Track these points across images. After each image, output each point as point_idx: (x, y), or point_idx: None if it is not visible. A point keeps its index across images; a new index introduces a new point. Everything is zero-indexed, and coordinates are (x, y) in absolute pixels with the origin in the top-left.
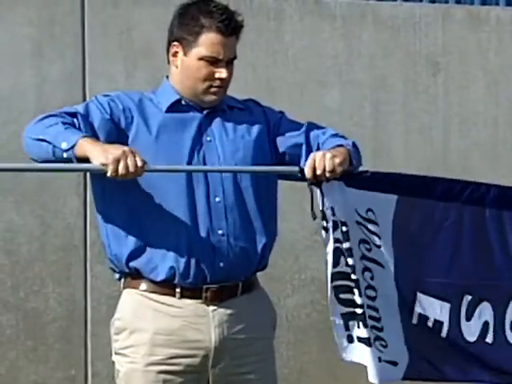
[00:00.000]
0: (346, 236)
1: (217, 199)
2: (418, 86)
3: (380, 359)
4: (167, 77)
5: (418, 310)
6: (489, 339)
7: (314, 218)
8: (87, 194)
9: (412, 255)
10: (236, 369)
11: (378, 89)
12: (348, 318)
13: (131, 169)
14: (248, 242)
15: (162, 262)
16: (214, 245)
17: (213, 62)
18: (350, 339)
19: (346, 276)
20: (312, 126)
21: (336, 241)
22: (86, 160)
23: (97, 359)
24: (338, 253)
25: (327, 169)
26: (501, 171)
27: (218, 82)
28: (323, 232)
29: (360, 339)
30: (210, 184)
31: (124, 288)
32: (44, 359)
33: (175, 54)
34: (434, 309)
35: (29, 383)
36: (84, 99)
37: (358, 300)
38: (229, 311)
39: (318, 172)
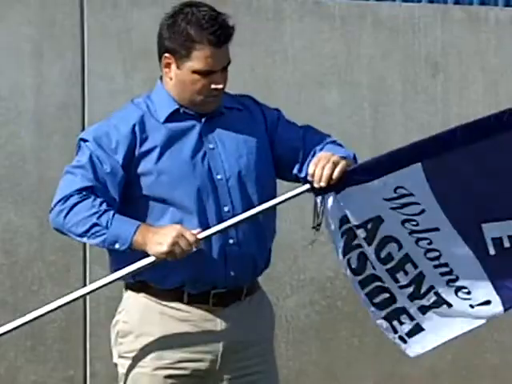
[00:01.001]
0: (370, 238)
1: (225, 209)
2: (417, 87)
3: (472, 306)
4: (161, 78)
5: (488, 237)
6: None
7: (317, 227)
8: None
9: (463, 201)
10: (241, 371)
11: (377, 89)
12: (391, 317)
13: (186, 248)
14: (256, 249)
15: (172, 273)
16: (225, 254)
17: (207, 73)
18: (403, 340)
19: (373, 278)
20: (310, 131)
21: (357, 246)
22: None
23: (95, 359)
24: (362, 258)
25: (325, 174)
26: None
27: (215, 93)
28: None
29: (416, 327)
30: (218, 194)
31: (127, 289)
32: (43, 359)
33: (168, 66)
34: (504, 228)
35: (28, 383)
36: (83, 100)
37: (396, 294)
38: (235, 314)
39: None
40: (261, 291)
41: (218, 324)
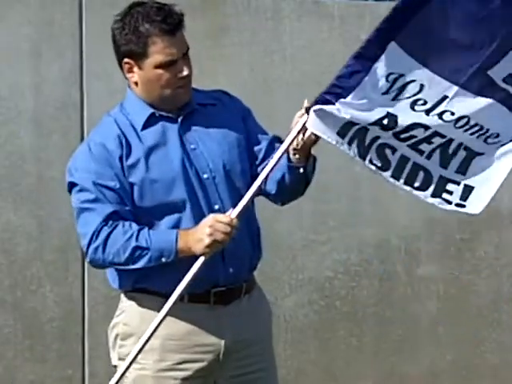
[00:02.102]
0: (390, 126)
1: (216, 207)
2: None
3: (504, 144)
4: (129, 86)
5: (499, 79)
6: None
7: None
8: None
9: (456, 58)
10: (241, 369)
11: None
12: (438, 192)
13: (225, 230)
14: (249, 242)
15: (172, 278)
16: (223, 251)
17: (170, 64)
18: (460, 205)
19: (403, 161)
20: (276, 140)
21: (374, 139)
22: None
23: (94, 359)
24: (381, 149)
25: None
26: None
27: (182, 81)
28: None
29: (466, 189)
30: (208, 194)
31: (126, 292)
32: (41, 359)
33: (130, 70)
34: (507, 64)
35: (26, 383)
36: (82, 99)
37: (427, 166)
38: (235, 313)
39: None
40: (257, 288)
41: (219, 323)
